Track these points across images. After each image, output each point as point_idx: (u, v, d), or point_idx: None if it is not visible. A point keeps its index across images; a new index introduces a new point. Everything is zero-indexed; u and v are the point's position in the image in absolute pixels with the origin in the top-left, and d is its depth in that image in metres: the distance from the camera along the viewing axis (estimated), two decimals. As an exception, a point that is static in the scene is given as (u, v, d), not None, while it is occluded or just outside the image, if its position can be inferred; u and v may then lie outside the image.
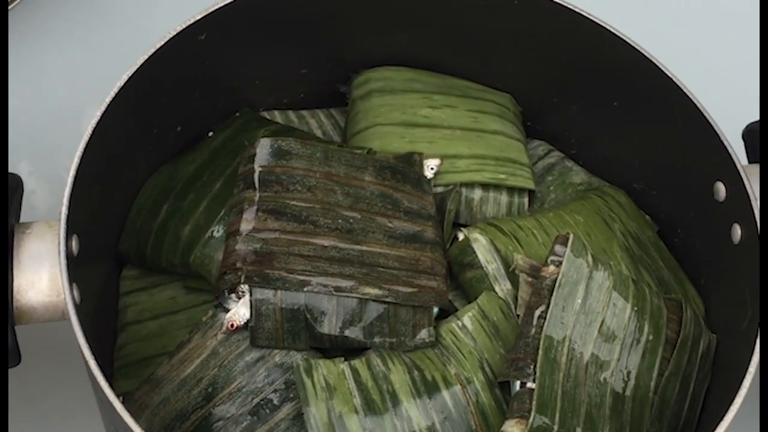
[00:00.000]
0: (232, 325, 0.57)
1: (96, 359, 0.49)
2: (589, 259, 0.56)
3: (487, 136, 0.66)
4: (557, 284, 0.54)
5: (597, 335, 0.55)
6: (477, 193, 0.64)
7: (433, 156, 0.64)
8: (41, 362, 0.64)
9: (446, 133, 0.66)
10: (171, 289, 0.63)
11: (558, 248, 0.56)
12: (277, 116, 0.70)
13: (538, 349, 0.53)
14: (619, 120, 0.67)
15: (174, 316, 0.63)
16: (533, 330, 0.54)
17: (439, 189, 0.64)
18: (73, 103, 0.75)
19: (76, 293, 0.52)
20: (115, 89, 0.57)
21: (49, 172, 0.70)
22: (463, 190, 0.64)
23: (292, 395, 0.56)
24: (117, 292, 0.64)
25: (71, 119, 0.74)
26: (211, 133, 0.67)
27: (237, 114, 0.68)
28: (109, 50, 0.79)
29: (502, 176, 0.64)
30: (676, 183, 0.64)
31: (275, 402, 0.56)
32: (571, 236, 0.56)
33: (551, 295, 0.54)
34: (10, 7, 0.79)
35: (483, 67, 0.70)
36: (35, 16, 0.80)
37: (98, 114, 0.56)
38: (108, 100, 0.57)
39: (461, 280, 0.60)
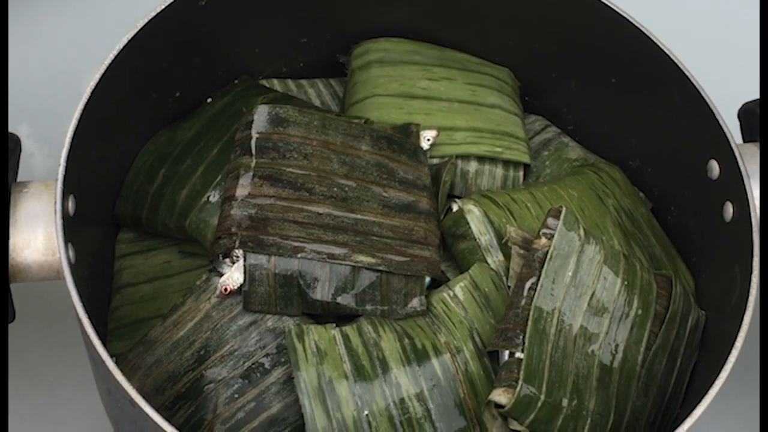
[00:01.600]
0: (225, 290, 0.57)
1: (89, 318, 0.50)
2: (581, 232, 0.56)
3: (484, 110, 0.66)
4: (548, 257, 0.55)
5: (586, 308, 0.55)
6: (472, 166, 0.65)
7: (430, 128, 0.64)
8: (36, 321, 0.64)
9: (444, 105, 0.66)
10: (166, 253, 0.64)
11: (550, 221, 0.56)
12: (276, 85, 0.70)
13: (527, 320, 0.53)
14: (616, 97, 0.67)
15: (168, 279, 0.63)
16: (523, 301, 0.54)
17: (435, 161, 0.64)
18: (72, 67, 0.75)
19: (71, 253, 0.53)
20: (114, 52, 0.58)
21: (47, 136, 0.71)
22: (459, 162, 0.64)
23: (283, 360, 0.56)
24: (112, 255, 0.64)
25: (71, 83, 0.74)
26: (209, 100, 0.67)
27: (236, 81, 0.68)
28: (109, 14, 0.79)
29: (498, 149, 0.64)
30: (670, 160, 0.65)
31: (266, 366, 0.56)
32: (564, 209, 0.56)
33: (542, 267, 0.55)
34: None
35: (482, 41, 0.70)
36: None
37: (97, 76, 0.56)
38: (107, 62, 0.57)
39: (454, 251, 0.61)
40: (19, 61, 0.75)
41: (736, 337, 0.53)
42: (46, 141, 0.69)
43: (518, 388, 0.52)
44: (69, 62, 0.77)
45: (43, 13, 0.79)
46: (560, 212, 0.56)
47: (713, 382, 0.51)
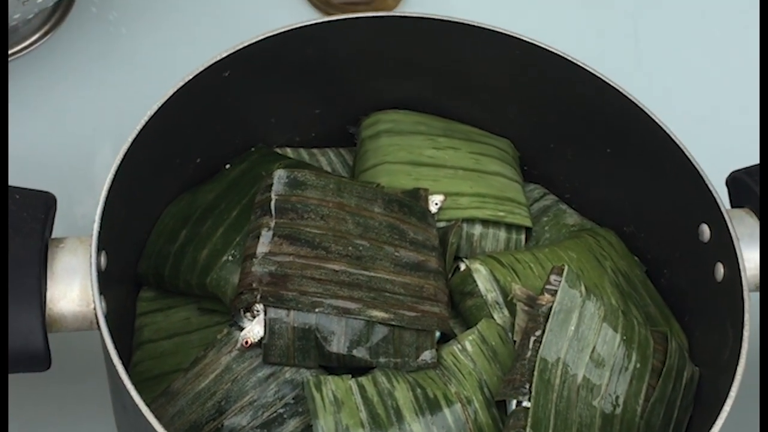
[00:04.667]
0: (246, 343, 0.60)
1: (123, 364, 0.53)
2: (582, 289, 0.60)
3: (487, 177, 0.71)
4: (553, 311, 0.58)
5: (588, 360, 0.59)
6: (477, 229, 0.68)
7: (437, 192, 0.68)
8: (63, 374, 0.67)
9: (449, 172, 0.70)
10: (186, 310, 0.67)
11: (553, 278, 0.60)
12: (290, 153, 0.74)
13: (533, 370, 0.57)
14: (611, 166, 0.71)
15: (188, 335, 0.66)
16: (529, 353, 0.58)
17: (442, 224, 0.68)
18: (88, 140, 0.79)
19: (103, 304, 0.56)
20: (146, 117, 0.61)
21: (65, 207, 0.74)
22: (465, 225, 0.68)
23: (300, 410, 0.59)
24: (134, 313, 0.68)
25: (84, 159, 0.78)
26: (228, 166, 0.71)
27: (253, 149, 0.72)
28: (129, 91, 0.83)
29: (501, 213, 0.68)
30: (663, 225, 0.69)
31: (284, 416, 0.59)
32: (566, 267, 0.60)
33: (546, 321, 0.58)
34: (33, 48, 0.83)
35: (484, 114, 0.74)
36: (57, 56, 0.84)
37: (129, 139, 0.60)
38: (138, 127, 0.61)
39: (462, 308, 0.64)
40: (41, 136, 0.79)
41: (729, 389, 0.56)
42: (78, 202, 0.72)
43: (526, 435, 0.55)
44: (87, 138, 0.81)
45: (66, 89, 0.83)
46: (563, 270, 0.60)
47: (712, 425, 0.54)
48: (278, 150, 0.74)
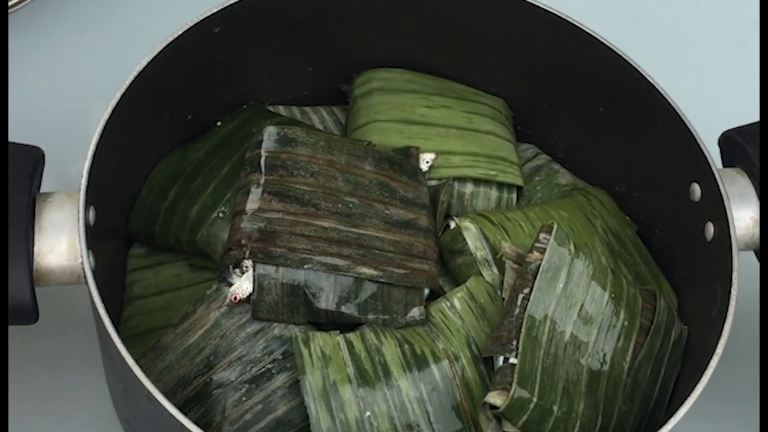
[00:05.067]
0: (235, 298, 0.60)
1: (110, 317, 0.53)
2: (571, 247, 0.60)
3: (480, 136, 0.70)
4: (541, 269, 0.58)
5: (576, 318, 0.59)
6: (468, 188, 0.68)
7: (429, 151, 0.68)
8: (53, 327, 0.67)
9: (441, 131, 0.70)
10: (176, 267, 0.67)
11: (543, 236, 0.60)
12: (282, 111, 0.74)
13: (521, 327, 0.57)
14: (604, 125, 0.71)
15: (178, 291, 0.66)
16: (517, 310, 0.58)
17: (434, 182, 0.68)
18: (84, 96, 0.79)
19: (91, 259, 0.56)
20: (134, 73, 0.61)
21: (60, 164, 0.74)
22: (456, 184, 0.68)
23: (288, 365, 0.59)
24: (124, 270, 0.68)
25: (79, 115, 0.77)
26: (219, 123, 0.71)
27: (244, 106, 0.72)
28: (122, 44, 0.83)
29: (493, 172, 0.68)
30: (655, 185, 0.68)
31: (273, 371, 0.59)
32: (555, 226, 0.60)
33: (535, 278, 0.58)
34: (27, 2, 0.83)
35: (478, 73, 0.74)
36: (51, 10, 0.84)
37: (118, 95, 0.60)
38: (127, 83, 0.61)
39: (451, 266, 0.64)
40: (36, 89, 0.79)
41: (716, 346, 0.56)
42: (67, 157, 0.71)
43: (512, 391, 0.55)
44: (80, 92, 0.81)
45: (59, 43, 0.83)
46: (552, 228, 0.60)
47: (695, 386, 0.54)
48: (270, 108, 0.74)
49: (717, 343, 0.56)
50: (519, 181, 0.69)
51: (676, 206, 0.66)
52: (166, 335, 0.62)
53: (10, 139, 0.58)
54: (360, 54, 0.73)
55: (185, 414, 0.58)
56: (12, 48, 0.79)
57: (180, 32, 0.63)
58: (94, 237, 0.58)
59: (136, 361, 0.61)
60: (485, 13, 0.70)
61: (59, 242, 0.56)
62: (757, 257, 0.64)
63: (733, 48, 0.87)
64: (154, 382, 0.60)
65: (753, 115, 0.65)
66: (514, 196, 0.69)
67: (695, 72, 0.86)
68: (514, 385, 0.55)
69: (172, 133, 0.69)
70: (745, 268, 0.61)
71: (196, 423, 0.58)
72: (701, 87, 0.83)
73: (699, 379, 0.55)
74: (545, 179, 0.72)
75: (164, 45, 0.62)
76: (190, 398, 0.59)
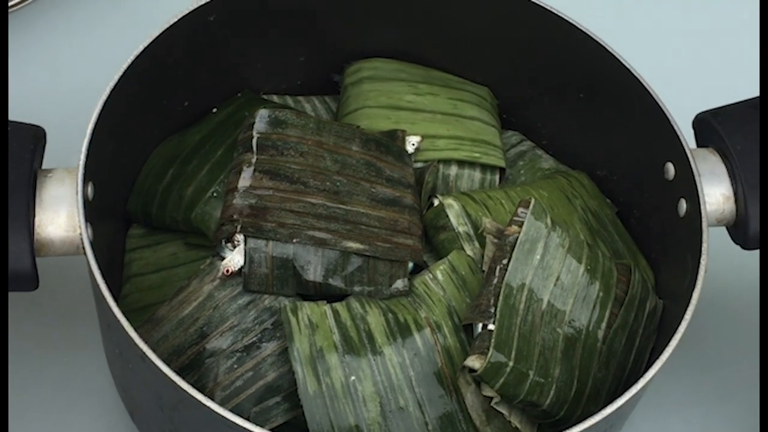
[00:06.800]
0: (227, 271, 0.63)
1: (105, 282, 0.56)
2: (548, 221, 0.63)
3: (465, 121, 0.73)
4: (519, 241, 0.61)
5: (553, 288, 0.61)
6: (453, 170, 0.71)
7: (414, 134, 0.71)
8: (53, 295, 0.70)
9: (428, 116, 0.73)
10: (173, 246, 0.70)
11: (521, 210, 0.62)
12: (275, 99, 0.77)
13: (498, 295, 0.59)
14: (584, 111, 0.73)
15: (175, 269, 0.69)
16: (495, 280, 0.60)
17: (420, 165, 0.70)
18: (90, 85, 0.82)
19: (89, 231, 0.59)
20: (131, 57, 0.64)
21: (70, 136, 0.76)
22: (441, 166, 0.71)
23: (278, 335, 0.62)
24: (123, 249, 0.70)
25: (88, 101, 0.80)
26: (215, 110, 0.74)
27: (239, 94, 0.75)
28: (124, 39, 0.86)
29: (477, 155, 0.71)
30: (633, 167, 0.71)
31: (263, 340, 0.62)
32: (533, 200, 0.63)
33: (512, 249, 0.61)
34: (28, 2, 0.86)
35: (464, 62, 0.77)
36: (52, 8, 0.87)
37: (115, 77, 0.63)
38: (124, 66, 0.64)
39: (435, 242, 0.67)
40: (39, 81, 0.82)
41: (684, 312, 0.58)
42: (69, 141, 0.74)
43: (489, 355, 0.57)
44: (86, 81, 0.83)
45: (63, 38, 0.86)
46: (530, 203, 0.63)
47: (664, 349, 0.57)
48: (264, 96, 0.76)
49: (685, 309, 0.58)
50: (501, 163, 0.71)
51: (653, 186, 0.69)
52: (161, 308, 0.64)
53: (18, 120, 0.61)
54: (351, 45, 0.76)
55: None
56: (16, 43, 0.83)
57: (175, 20, 0.66)
58: (92, 212, 0.60)
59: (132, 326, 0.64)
60: (470, 4, 0.73)
61: (59, 215, 0.59)
62: (729, 233, 0.66)
63: (710, 34, 0.91)
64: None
65: (726, 98, 0.68)
66: (497, 177, 0.72)
67: (673, 57, 0.89)
68: (491, 349, 0.57)
69: (170, 119, 0.72)
70: (718, 245, 0.64)
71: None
72: (678, 72, 0.86)
73: (668, 343, 0.57)
74: (528, 164, 0.75)
75: (160, 32, 0.65)
76: (184, 366, 0.62)
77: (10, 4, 0.85)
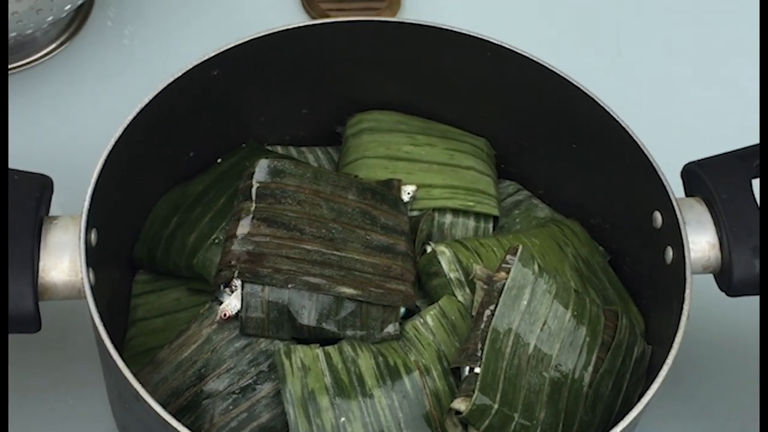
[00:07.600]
0: (225, 315, 0.65)
1: (105, 326, 0.58)
2: (536, 268, 0.64)
3: (460, 171, 0.75)
4: (506, 287, 0.63)
5: (540, 332, 0.63)
6: (448, 218, 0.73)
7: (410, 183, 0.73)
8: (56, 337, 0.73)
9: (424, 166, 0.75)
10: (177, 291, 0.72)
11: (509, 257, 0.64)
12: (279, 150, 0.79)
13: (485, 339, 0.61)
14: (578, 162, 0.75)
15: (178, 314, 0.71)
16: (483, 324, 0.62)
17: (415, 213, 0.73)
18: (101, 136, 0.85)
19: (91, 276, 0.61)
20: (136, 110, 0.67)
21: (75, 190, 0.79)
22: (436, 214, 0.73)
23: (273, 376, 0.64)
24: (129, 294, 0.73)
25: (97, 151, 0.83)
26: (219, 160, 0.77)
27: (244, 145, 0.78)
28: (135, 91, 0.89)
29: (471, 203, 0.73)
30: (623, 216, 0.73)
31: (258, 382, 0.64)
32: (521, 247, 0.64)
33: (500, 295, 0.63)
34: (50, 57, 0.90)
35: (462, 114, 0.79)
36: (72, 64, 0.91)
37: (120, 129, 0.66)
38: (129, 118, 0.66)
39: (427, 288, 0.69)
40: (52, 137, 0.85)
41: (666, 356, 0.60)
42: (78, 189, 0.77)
43: (474, 397, 0.59)
44: (97, 135, 0.87)
45: (77, 95, 0.89)
46: (517, 250, 0.64)
47: (646, 390, 0.58)
48: (269, 147, 0.79)
49: (668, 353, 0.60)
50: (495, 211, 0.73)
51: (642, 234, 0.70)
52: (162, 350, 0.67)
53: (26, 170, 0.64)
54: (353, 97, 0.79)
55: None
56: (33, 99, 0.86)
57: (180, 73, 0.69)
58: (95, 257, 0.63)
59: (131, 371, 0.66)
60: (466, 57, 0.75)
61: (62, 260, 0.62)
62: (716, 281, 0.68)
63: (699, 86, 0.93)
64: (150, 394, 0.65)
65: (714, 149, 0.69)
66: (491, 226, 0.74)
67: (661, 109, 0.91)
68: (476, 392, 0.59)
69: (175, 169, 0.75)
70: (704, 291, 0.66)
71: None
72: (667, 124, 0.88)
73: (650, 385, 0.58)
74: (524, 212, 0.77)
75: (165, 84, 0.68)
76: (182, 408, 0.64)
77: (28, 60, 0.89)
